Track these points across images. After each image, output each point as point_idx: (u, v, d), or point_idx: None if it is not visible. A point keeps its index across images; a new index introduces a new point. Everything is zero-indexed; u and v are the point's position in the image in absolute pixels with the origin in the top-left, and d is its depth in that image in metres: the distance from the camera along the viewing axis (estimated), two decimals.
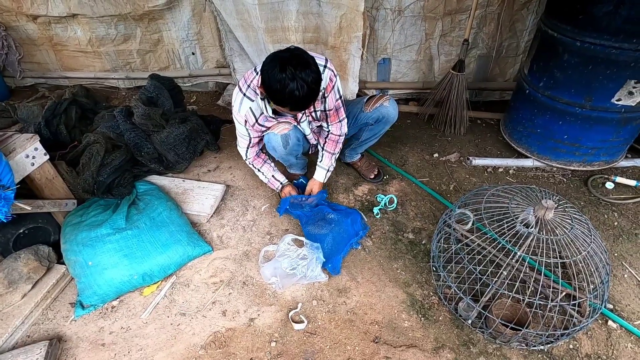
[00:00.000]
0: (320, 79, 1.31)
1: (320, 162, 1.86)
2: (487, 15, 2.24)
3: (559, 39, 1.72)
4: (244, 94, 1.49)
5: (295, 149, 1.73)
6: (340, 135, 1.77)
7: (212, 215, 1.89)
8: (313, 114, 1.64)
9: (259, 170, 1.85)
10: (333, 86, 1.53)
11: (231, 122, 2.59)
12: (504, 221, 1.34)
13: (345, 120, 1.72)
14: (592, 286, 1.37)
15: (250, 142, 1.70)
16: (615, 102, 1.72)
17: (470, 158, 2.16)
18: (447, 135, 2.41)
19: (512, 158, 2.16)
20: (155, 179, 2.03)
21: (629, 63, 1.59)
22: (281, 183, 1.88)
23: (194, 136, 2.17)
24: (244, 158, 1.81)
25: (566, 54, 1.73)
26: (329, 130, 1.75)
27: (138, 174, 1.99)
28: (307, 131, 1.74)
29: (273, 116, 1.56)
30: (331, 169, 1.87)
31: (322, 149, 1.83)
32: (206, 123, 2.36)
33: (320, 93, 1.46)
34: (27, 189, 1.59)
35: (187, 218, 1.80)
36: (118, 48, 2.78)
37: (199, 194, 1.94)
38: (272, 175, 1.86)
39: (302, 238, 1.68)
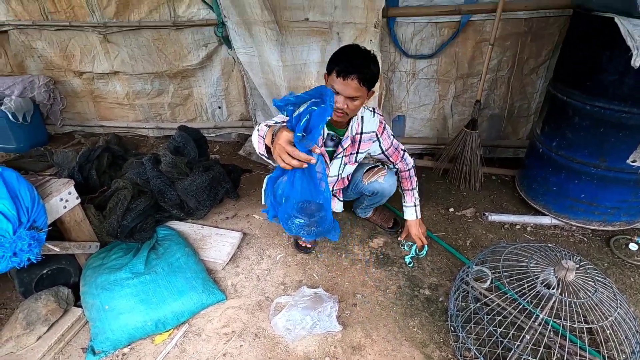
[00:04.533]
0: (377, 63, 1.42)
1: (405, 202, 1.88)
2: (497, 79, 2.37)
3: (569, 102, 1.80)
4: None
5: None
6: (409, 170, 1.82)
7: (227, 263, 1.91)
8: (352, 155, 1.69)
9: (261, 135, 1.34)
10: (384, 127, 1.68)
11: (251, 171, 2.71)
12: (524, 281, 1.32)
13: (407, 153, 1.80)
14: (623, 356, 1.29)
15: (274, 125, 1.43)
16: (631, 164, 1.73)
17: (486, 214, 2.16)
18: (462, 190, 2.44)
19: (529, 215, 2.15)
20: (176, 224, 2.09)
21: None
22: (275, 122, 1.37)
23: (215, 184, 2.26)
24: (259, 126, 1.37)
25: (576, 116, 1.79)
26: (398, 169, 1.83)
27: (160, 219, 2.06)
28: (335, 171, 1.71)
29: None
30: (417, 202, 1.86)
31: (402, 189, 1.88)
32: (227, 172, 2.46)
33: (372, 134, 1.65)
34: (56, 230, 1.67)
35: (204, 265, 1.83)
36: (151, 101, 3.02)
37: (216, 240, 1.98)
38: (266, 125, 1.35)
39: (317, 289, 1.67)
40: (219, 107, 2.98)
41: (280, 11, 2.29)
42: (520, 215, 2.16)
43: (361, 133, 1.64)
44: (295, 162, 1.02)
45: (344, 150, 1.64)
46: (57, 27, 2.74)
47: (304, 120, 1.03)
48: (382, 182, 1.78)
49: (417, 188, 1.87)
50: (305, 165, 1.05)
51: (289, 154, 1.02)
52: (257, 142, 1.31)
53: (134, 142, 3.16)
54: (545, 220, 2.09)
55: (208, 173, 2.22)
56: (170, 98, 2.98)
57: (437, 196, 2.39)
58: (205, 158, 2.55)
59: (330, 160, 1.67)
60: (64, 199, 1.59)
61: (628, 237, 1.97)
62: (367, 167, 1.83)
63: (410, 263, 1.86)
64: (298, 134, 1.03)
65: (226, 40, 2.54)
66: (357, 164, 1.78)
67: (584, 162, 1.83)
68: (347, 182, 1.85)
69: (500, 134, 2.59)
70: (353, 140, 1.64)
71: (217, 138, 3.15)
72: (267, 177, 1.29)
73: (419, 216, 1.87)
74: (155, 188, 2.09)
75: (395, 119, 2.64)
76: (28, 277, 1.56)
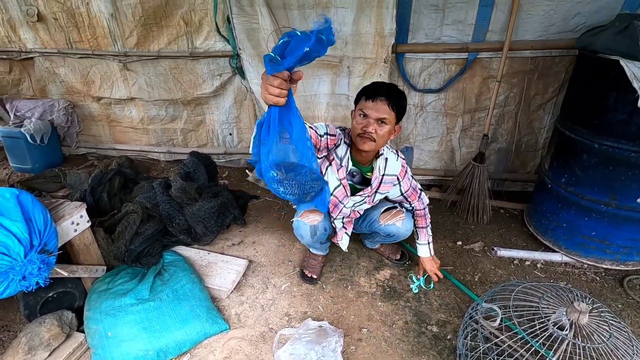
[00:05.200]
0: (404, 95, 1.48)
1: (418, 240, 1.87)
2: (505, 114, 2.40)
3: (577, 140, 1.81)
4: (345, 134, 1.61)
5: (321, 238, 1.81)
6: (424, 208, 1.83)
7: (232, 291, 1.89)
8: (371, 196, 1.69)
9: None
10: (406, 171, 1.71)
11: (258, 197, 2.73)
12: (536, 321, 1.28)
13: (424, 193, 1.81)
14: None
15: (314, 131, 1.44)
16: None
17: (495, 248, 2.13)
18: (470, 223, 2.42)
19: (539, 251, 2.11)
20: (182, 249, 2.09)
21: None
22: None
23: (223, 210, 2.28)
24: None
25: (585, 154, 1.80)
26: (414, 207, 1.82)
27: (167, 244, 2.06)
28: (351, 204, 1.71)
29: (340, 161, 1.60)
30: (431, 240, 1.86)
31: (416, 227, 1.87)
32: (235, 197, 2.49)
33: (393, 178, 1.67)
34: (64, 252, 1.68)
35: (208, 292, 1.81)
36: (165, 126, 3.10)
37: (222, 267, 1.97)
38: None
39: (322, 322, 1.63)
40: (230, 134, 3.05)
41: None
42: (530, 251, 2.13)
43: (384, 175, 1.65)
44: (274, 91, 0.91)
45: (371, 189, 1.66)
46: (81, 55, 2.87)
47: (281, 41, 0.89)
48: (399, 226, 1.79)
49: (430, 225, 1.87)
50: (283, 101, 0.94)
51: (268, 85, 0.91)
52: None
53: (146, 165, 3.22)
54: (556, 257, 2.05)
55: (217, 199, 2.25)
56: (183, 124, 3.06)
57: (445, 228, 2.37)
58: (214, 183, 2.58)
59: (353, 196, 1.68)
60: (75, 222, 1.61)
61: None
62: (384, 208, 1.83)
63: (415, 290, 1.86)
64: (270, 54, 0.88)
65: (240, 71, 2.64)
66: (373, 204, 1.79)
67: (593, 199, 1.82)
68: (358, 215, 1.85)
69: (508, 167, 2.60)
70: (378, 182, 1.66)
71: (226, 163, 3.19)
72: (256, 122, 1.11)
73: (432, 253, 1.86)
74: (164, 213, 2.11)
75: (403, 150, 2.67)
76: (34, 300, 1.56)
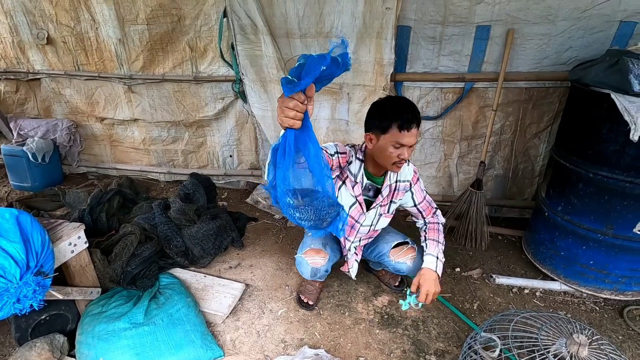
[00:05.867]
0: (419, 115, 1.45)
1: (427, 250, 1.67)
2: (501, 142, 2.45)
3: (572, 169, 1.84)
4: (353, 145, 1.64)
5: (321, 278, 1.84)
6: (439, 223, 1.75)
7: (228, 316, 1.86)
8: (387, 205, 1.68)
9: None
10: (418, 178, 1.70)
11: (257, 220, 2.73)
12: (536, 352, 1.26)
13: (439, 210, 1.77)
14: None
15: (325, 151, 1.48)
16: (638, 233, 1.73)
17: (494, 276, 2.11)
18: (468, 249, 2.41)
19: (538, 279, 2.10)
20: (179, 272, 2.07)
21: None
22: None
23: (221, 232, 2.28)
24: None
25: (581, 183, 1.82)
26: (427, 222, 1.76)
27: (163, 266, 2.05)
28: (369, 222, 1.70)
29: (354, 177, 1.60)
30: (441, 257, 1.64)
31: (425, 239, 1.71)
32: (233, 219, 2.49)
33: (406, 184, 1.66)
34: (60, 274, 1.67)
35: (204, 316, 1.78)
36: (166, 147, 3.13)
37: (218, 291, 1.95)
38: None
39: (319, 350, 1.60)
40: (230, 156, 3.08)
41: None
42: (529, 279, 2.11)
43: (397, 181, 1.65)
44: (290, 114, 0.92)
45: (383, 199, 1.65)
46: (87, 77, 2.94)
47: (298, 64, 0.92)
48: (410, 265, 1.78)
49: (444, 245, 1.70)
50: (299, 123, 0.94)
51: (285, 108, 0.92)
52: None
53: (145, 185, 3.24)
54: (555, 285, 2.04)
55: (215, 221, 2.25)
56: (184, 145, 3.09)
57: (444, 254, 2.35)
58: (213, 205, 2.59)
59: (367, 211, 1.67)
60: (72, 243, 1.61)
61: None
62: (395, 243, 1.82)
63: (405, 307, 1.65)
64: (288, 77, 0.90)
65: (242, 95, 2.70)
66: (391, 217, 1.75)
67: (590, 228, 1.83)
68: (375, 234, 1.83)
69: (506, 194, 2.62)
70: (390, 189, 1.65)
71: (226, 185, 3.21)
72: (271, 146, 1.07)
73: (439, 273, 1.61)
74: (162, 234, 2.11)
75: None
76: (25, 323, 1.53)
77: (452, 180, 2.63)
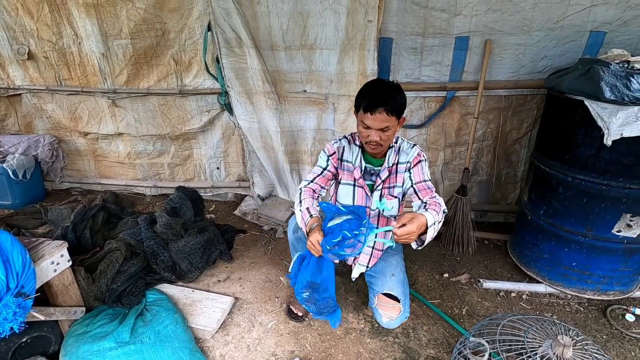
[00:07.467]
0: (402, 93, 1.46)
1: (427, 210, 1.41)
2: (483, 148, 2.51)
3: (552, 173, 1.90)
4: (345, 136, 1.72)
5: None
6: (440, 205, 1.45)
7: (217, 331, 1.83)
8: (390, 188, 1.65)
9: (300, 200, 1.62)
10: (419, 161, 1.59)
11: (245, 232, 2.71)
12: (524, 355, 1.28)
13: (442, 199, 1.51)
14: None
15: (321, 174, 1.68)
16: (616, 233, 1.78)
17: (481, 280, 2.14)
18: (455, 254, 2.44)
19: (524, 282, 2.14)
20: (166, 287, 2.04)
21: (621, 199, 1.71)
22: (311, 216, 1.55)
23: (209, 246, 2.25)
24: (301, 185, 1.69)
25: (560, 187, 1.88)
26: (425, 201, 1.50)
27: (150, 282, 2.01)
28: (375, 205, 1.66)
29: (352, 164, 1.67)
30: (436, 226, 1.38)
31: (426, 209, 1.44)
32: (221, 232, 2.47)
33: (406, 165, 1.62)
34: (42, 292, 1.62)
35: (192, 332, 1.75)
36: (152, 161, 3.10)
37: (206, 306, 1.92)
38: (307, 208, 1.58)
39: None
40: (218, 168, 3.07)
41: (280, 83, 2.48)
42: (515, 282, 2.15)
43: (397, 164, 1.63)
44: (317, 254, 1.45)
45: (382, 182, 1.64)
46: (69, 92, 2.90)
47: (337, 240, 1.40)
48: (384, 320, 1.68)
49: (442, 220, 1.43)
50: (318, 255, 1.48)
51: (312, 241, 1.45)
52: (300, 219, 1.60)
53: (131, 199, 3.19)
54: (540, 288, 2.07)
55: (203, 235, 2.23)
56: (170, 158, 3.07)
57: (432, 260, 2.38)
58: (201, 218, 2.57)
59: (371, 193, 1.67)
60: (55, 261, 1.57)
61: (624, 307, 1.96)
62: (381, 292, 1.69)
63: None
64: (328, 247, 1.41)
65: (228, 107, 2.70)
66: (397, 202, 1.66)
67: (571, 230, 1.88)
68: (386, 238, 1.68)
69: (490, 199, 2.67)
70: (390, 172, 1.63)
71: (213, 197, 3.18)
72: (298, 253, 1.62)
73: (429, 235, 1.36)
74: (149, 249, 2.08)
75: None
76: (5, 346, 1.48)
77: (437, 187, 2.67)
